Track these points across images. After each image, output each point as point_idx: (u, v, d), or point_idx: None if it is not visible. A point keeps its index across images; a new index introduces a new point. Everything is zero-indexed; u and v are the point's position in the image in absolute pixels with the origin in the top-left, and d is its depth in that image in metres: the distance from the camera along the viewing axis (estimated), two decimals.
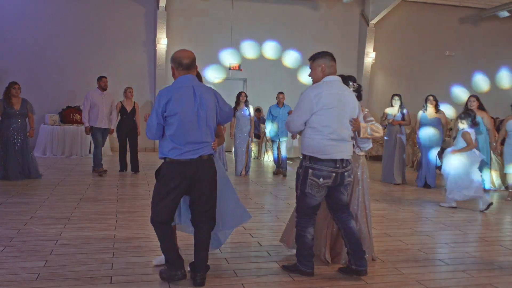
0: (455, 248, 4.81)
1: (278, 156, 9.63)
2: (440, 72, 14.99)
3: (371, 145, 4.12)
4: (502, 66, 15.58)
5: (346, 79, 4.06)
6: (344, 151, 3.65)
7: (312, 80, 3.78)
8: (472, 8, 14.99)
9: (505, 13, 14.24)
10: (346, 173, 3.67)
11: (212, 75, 13.23)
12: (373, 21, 14.14)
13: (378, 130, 3.92)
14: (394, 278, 3.85)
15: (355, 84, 4.12)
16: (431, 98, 8.44)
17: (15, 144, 7.84)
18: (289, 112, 9.21)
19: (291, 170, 9.91)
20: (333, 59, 3.73)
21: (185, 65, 3.48)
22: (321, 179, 3.59)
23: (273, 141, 9.60)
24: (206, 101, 3.43)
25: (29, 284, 3.45)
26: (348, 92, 3.73)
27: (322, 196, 3.70)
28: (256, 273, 3.86)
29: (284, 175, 9.40)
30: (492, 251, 4.75)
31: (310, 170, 3.61)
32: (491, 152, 8.28)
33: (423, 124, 8.46)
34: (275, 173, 9.63)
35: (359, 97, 4.04)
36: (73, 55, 12.49)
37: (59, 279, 3.57)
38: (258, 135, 12.57)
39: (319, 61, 3.71)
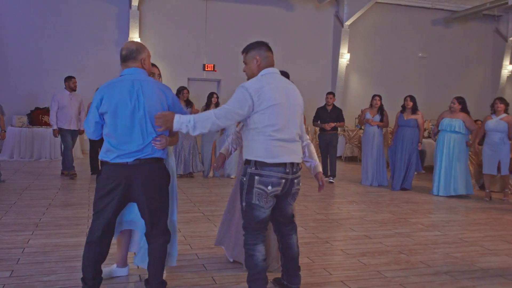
0: (435, 249, 4.76)
1: None
2: (414, 74, 15.17)
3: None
4: (474, 67, 15.85)
5: (285, 75, 3.72)
6: (294, 153, 3.19)
7: (247, 76, 3.32)
8: (444, 10, 15.21)
9: (477, 15, 14.49)
10: (295, 180, 3.23)
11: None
12: (348, 22, 14.16)
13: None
14: (377, 282, 3.76)
15: None
16: (408, 99, 8.39)
17: None
18: None
19: None
20: (269, 49, 3.28)
21: (122, 56, 3.09)
22: (269, 187, 3.09)
23: None
24: (146, 97, 3.00)
25: None
26: (293, 86, 3.30)
27: (271, 207, 3.20)
28: (236, 279, 3.71)
29: None
30: (472, 252, 4.72)
31: (257, 177, 3.09)
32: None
33: (400, 125, 8.41)
34: None
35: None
36: (42, 55, 12.10)
37: None
38: None
39: (253, 52, 3.26)
